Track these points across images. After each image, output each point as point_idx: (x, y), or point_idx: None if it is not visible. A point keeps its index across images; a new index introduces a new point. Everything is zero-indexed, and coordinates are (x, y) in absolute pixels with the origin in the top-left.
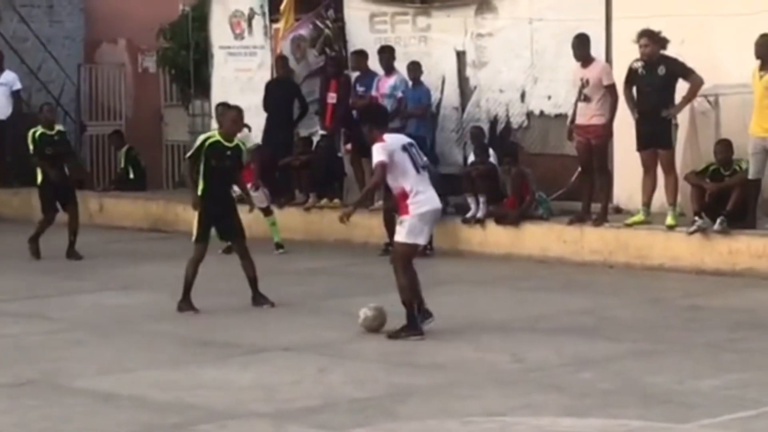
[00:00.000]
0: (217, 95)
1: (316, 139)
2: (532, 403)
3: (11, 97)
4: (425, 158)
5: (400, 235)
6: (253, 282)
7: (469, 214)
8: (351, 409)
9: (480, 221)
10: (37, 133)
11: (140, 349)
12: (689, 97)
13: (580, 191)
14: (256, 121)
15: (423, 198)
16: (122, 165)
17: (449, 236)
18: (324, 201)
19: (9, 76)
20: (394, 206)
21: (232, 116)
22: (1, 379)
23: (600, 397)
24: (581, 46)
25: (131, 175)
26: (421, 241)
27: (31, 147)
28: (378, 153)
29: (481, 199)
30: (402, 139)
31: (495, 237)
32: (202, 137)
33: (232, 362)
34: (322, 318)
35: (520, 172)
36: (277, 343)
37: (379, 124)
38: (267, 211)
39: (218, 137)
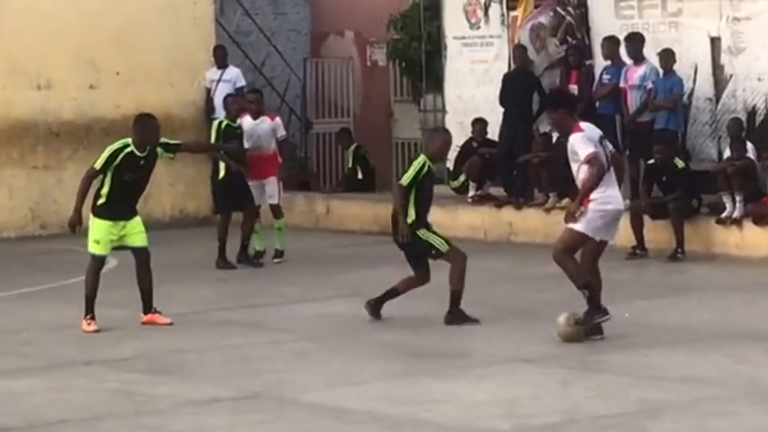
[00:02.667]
0: (451, 89)
1: (556, 135)
2: None
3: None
4: (613, 149)
5: (579, 224)
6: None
7: (724, 214)
8: (596, 426)
9: (736, 221)
10: (223, 124)
11: (369, 361)
12: None
13: None
14: (492, 116)
15: (609, 196)
16: (350, 165)
17: (702, 238)
18: (565, 201)
19: (232, 71)
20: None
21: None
22: (225, 392)
23: None
24: None
25: (360, 175)
26: (599, 237)
27: (213, 138)
28: (584, 144)
29: (738, 198)
30: (597, 130)
31: (753, 239)
32: (416, 163)
33: (468, 374)
34: None
35: None
36: (516, 354)
37: (573, 109)
38: (278, 212)
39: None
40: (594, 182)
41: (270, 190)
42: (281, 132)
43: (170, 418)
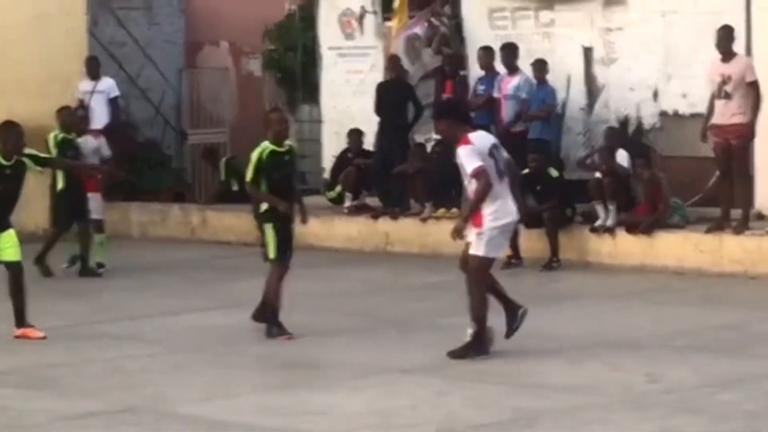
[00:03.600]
0: (327, 99)
1: (431, 145)
2: (668, 427)
3: (108, 105)
4: (507, 156)
5: (478, 249)
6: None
7: (597, 223)
8: None
9: (610, 230)
10: (59, 137)
11: (245, 373)
12: None
13: (719, 197)
14: (368, 126)
15: (501, 208)
16: (222, 177)
17: (576, 247)
18: (441, 211)
19: (107, 82)
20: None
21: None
22: (100, 406)
23: (743, 420)
24: (728, 38)
25: (235, 187)
26: (500, 254)
27: (54, 152)
28: (469, 158)
29: (611, 207)
30: (488, 139)
31: (626, 247)
32: (255, 153)
33: (344, 386)
34: (441, 337)
35: (654, 176)
36: (392, 364)
37: (462, 119)
38: (100, 228)
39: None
40: (480, 198)
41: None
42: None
43: None
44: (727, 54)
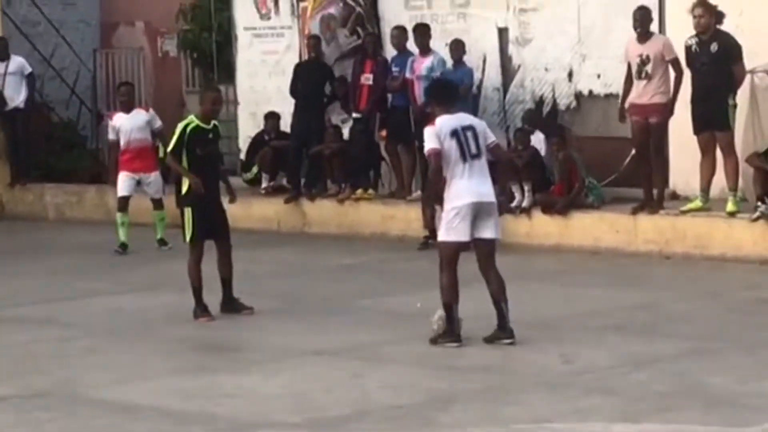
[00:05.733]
0: (243, 79)
1: (348, 126)
2: (582, 407)
3: (25, 80)
4: (490, 141)
5: (439, 232)
6: (227, 284)
7: (513, 204)
8: (388, 417)
9: (525, 211)
10: None
11: (161, 356)
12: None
13: (635, 176)
14: (284, 107)
15: (460, 190)
16: None
17: None
18: (359, 192)
19: (16, 61)
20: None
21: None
22: (10, 390)
23: (656, 400)
24: (646, 19)
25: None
26: (461, 237)
27: None
28: (428, 139)
29: (526, 187)
30: (457, 121)
31: (542, 227)
32: (180, 125)
33: (259, 368)
34: (357, 318)
35: (569, 156)
36: (308, 347)
37: (440, 102)
38: (159, 204)
39: (197, 121)
40: (433, 179)
41: (153, 186)
42: (158, 123)
43: None
44: (643, 34)
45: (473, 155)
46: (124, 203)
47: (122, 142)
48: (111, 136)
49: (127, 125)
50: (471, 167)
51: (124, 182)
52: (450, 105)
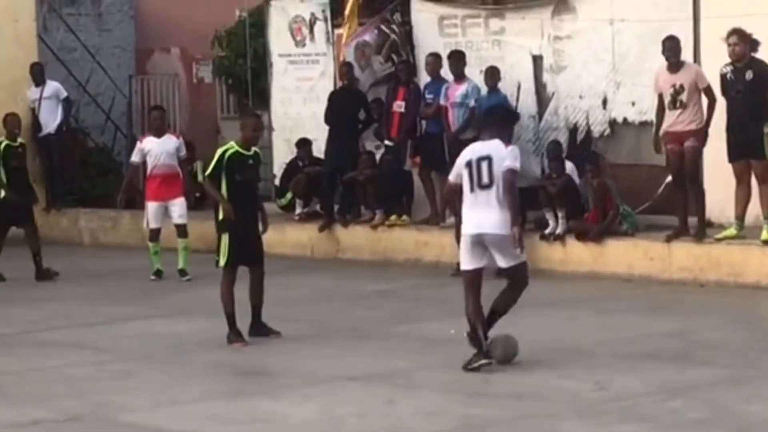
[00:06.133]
0: (277, 106)
1: (380, 152)
2: None
3: (60, 106)
4: (503, 166)
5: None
6: (257, 310)
7: (547, 230)
8: None
9: (560, 238)
10: (2, 145)
11: (194, 381)
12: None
13: (670, 204)
14: (318, 133)
15: (465, 220)
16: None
17: (527, 254)
18: (392, 218)
19: (52, 86)
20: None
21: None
22: (44, 414)
23: (690, 427)
24: (675, 48)
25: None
26: (465, 266)
27: None
28: (453, 169)
29: (560, 214)
30: (474, 151)
31: (576, 254)
32: (220, 150)
33: (293, 393)
34: (390, 344)
35: (603, 184)
36: (341, 372)
37: (492, 128)
38: (183, 231)
39: (237, 147)
40: (445, 206)
41: (177, 211)
42: (183, 151)
43: None
44: (674, 64)
45: (483, 185)
46: (155, 234)
47: (149, 166)
48: (135, 158)
49: (157, 149)
50: (476, 198)
51: (153, 213)
52: (484, 130)
